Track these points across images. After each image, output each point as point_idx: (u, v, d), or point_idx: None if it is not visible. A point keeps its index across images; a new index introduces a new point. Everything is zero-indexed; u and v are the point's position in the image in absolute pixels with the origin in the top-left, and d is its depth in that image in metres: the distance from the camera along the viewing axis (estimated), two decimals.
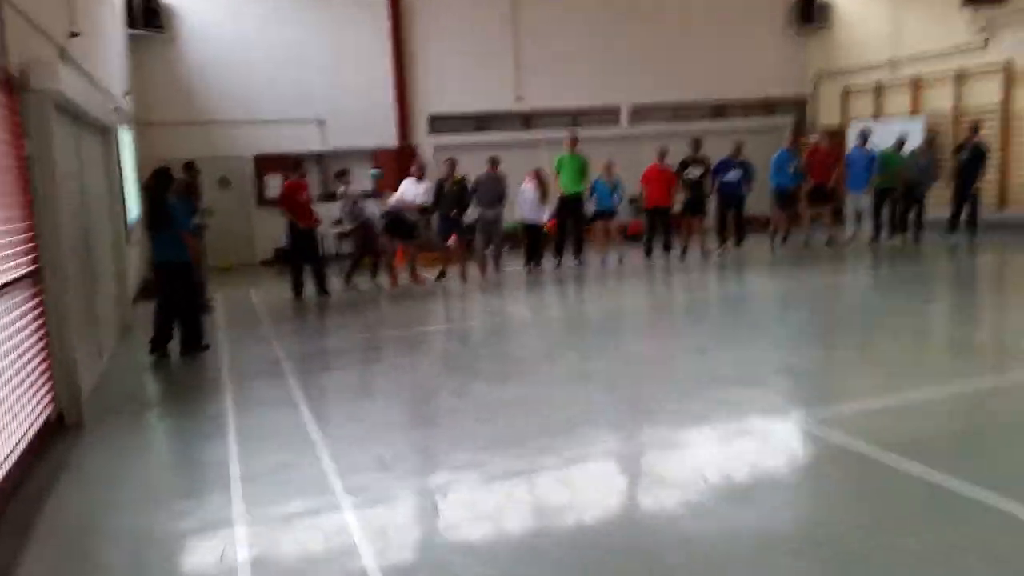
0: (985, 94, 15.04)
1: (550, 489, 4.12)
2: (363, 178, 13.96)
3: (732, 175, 12.75)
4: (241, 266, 14.52)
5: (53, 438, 5.33)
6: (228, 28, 15.41)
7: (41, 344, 5.39)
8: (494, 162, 12.15)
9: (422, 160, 12.87)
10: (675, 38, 18.02)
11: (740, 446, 4.59)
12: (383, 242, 11.64)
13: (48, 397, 5.47)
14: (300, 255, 11.19)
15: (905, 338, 7.19)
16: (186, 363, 7.40)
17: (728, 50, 18.41)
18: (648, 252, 12.88)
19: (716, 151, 13.66)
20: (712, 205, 13.30)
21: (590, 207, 12.72)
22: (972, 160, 12.90)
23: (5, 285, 4.65)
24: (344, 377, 6.94)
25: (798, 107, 19.45)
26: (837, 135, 15.80)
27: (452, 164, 11.91)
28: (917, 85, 16.37)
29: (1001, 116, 14.65)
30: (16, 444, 4.61)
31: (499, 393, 5.89)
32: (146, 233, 7.64)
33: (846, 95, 18.25)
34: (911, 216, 13.31)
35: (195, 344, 7.61)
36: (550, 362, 6.98)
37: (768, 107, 19.25)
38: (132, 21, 14.02)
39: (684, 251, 12.79)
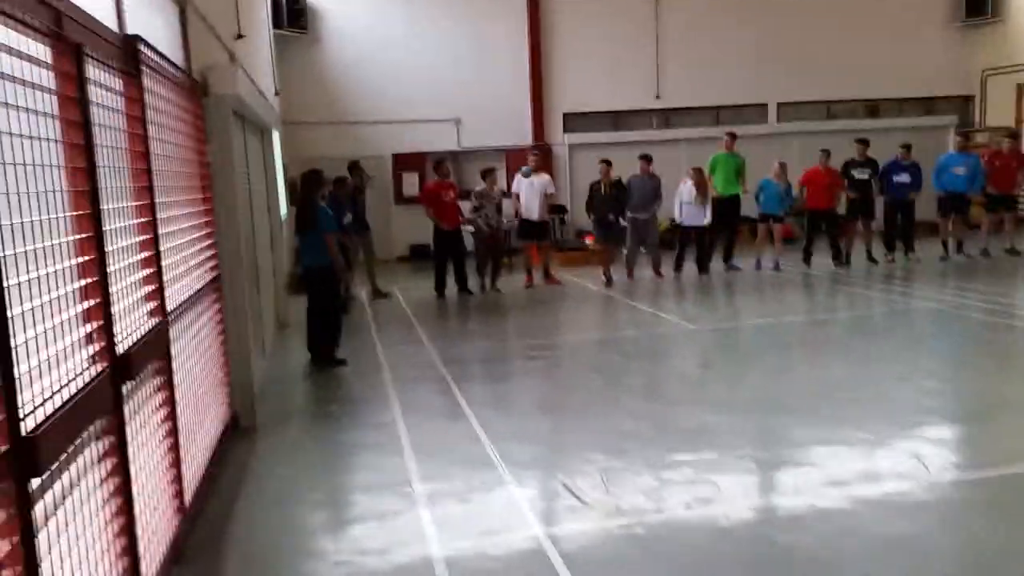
0: None
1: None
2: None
3: (903, 177, 11.72)
4: (380, 262, 14.57)
5: (231, 442, 5.28)
6: (368, 29, 15.58)
7: (222, 348, 5.35)
8: (647, 160, 11.64)
9: (532, 154, 12.35)
10: (826, 31, 16.92)
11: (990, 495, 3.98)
12: (513, 244, 11.50)
13: (227, 401, 5.43)
14: (444, 254, 11.07)
15: None
16: (344, 368, 7.29)
17: (884, 44, 17.14)
18: (807, 259, 12.01)
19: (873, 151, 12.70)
20: (879, 210, 12.30)
21: (753, 208, 12.02)
22: None
23: (199, 291, 4.60)
24: (509, 389, 6.67)
25: (962, 105, 17.95)
26: (1015, 137, 14.31)
27: (608, 165, 11.46)
28: None
29: None
30: (206, 448, 4.55)
31: (682, 419, 5.44)
32: (295, 235, 7.57)
33: (1021, 93, 16.67)
34: None
35: (329, 354, 7.34)
36: (728, 384, 6.45)
37: (928, 105, 17.86)
38: (278, 21, 14.32)
39: (847, 257, 11.87)
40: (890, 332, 8.00)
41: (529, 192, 11.32)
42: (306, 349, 7.55)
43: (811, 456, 4.58)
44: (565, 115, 16.47)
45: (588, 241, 14.48)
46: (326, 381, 7.02)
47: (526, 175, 11.34)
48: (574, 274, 12.40)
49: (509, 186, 12.40)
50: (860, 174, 11.74)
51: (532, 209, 11.29)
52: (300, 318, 9.71)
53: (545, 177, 11.63)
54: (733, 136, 12.16)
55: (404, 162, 15.80)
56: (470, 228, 11.20)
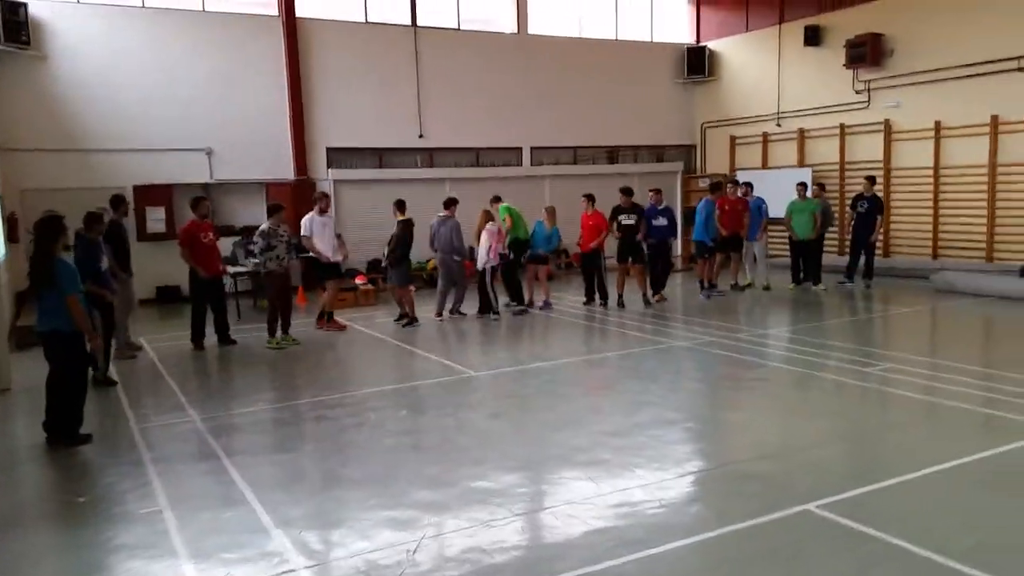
0: (868, 149, 16.06)
1: None
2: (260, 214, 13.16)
3: (661, 220, 12.73)
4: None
5: None
6: (105, 47, 14.07)
7: None
8: (452, 203, 11.89)
9: (322, 193, 12.00)
10: (572, 84, 18.23)
11: None
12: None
13: None
14: (202, 301, 10.19)
15: None
16: (88, 445, 6.34)
17: (621, 97, 18.83)
18: (589, 299, 12.80)
19: (613, 193, 13.61)
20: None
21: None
22: (870, 211, 13.62)
23: None
24: (291, 461, 6.17)
25: (686, 154, 20.13)
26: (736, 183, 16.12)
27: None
28: (803, 137, 17.29)
29: (884, 170, 15.67)
30: None
31: (475, 480, 5.36)
32: (32, 292, 6.46)
33: (733, 144, 19.02)
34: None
35: (71, 431, 6.37)
36: (518, 436, 6.49)
37: (659, 153, 19.81)
38: None
39: (620, 298, 12.59)
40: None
41: (322, 232, 11.03)
42: (41, 426, 6.45)
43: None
44: (329, 150, 16.03)
45: (359, 281, 14.18)
46: (68, 465, 6.03)
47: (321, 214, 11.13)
48: (346, 316, 12.02)
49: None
50: (627, 219, 12.53)
51: (326, 249, 11.04)
52: (27, 381, 8.47)
53: (334, 216, 11.45)
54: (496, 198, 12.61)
55: (148, 195, 14.39)
56: (259, 270, 10.45)
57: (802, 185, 14.04)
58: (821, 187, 14.68)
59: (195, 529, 4.67)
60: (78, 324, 6.21)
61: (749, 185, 14.24)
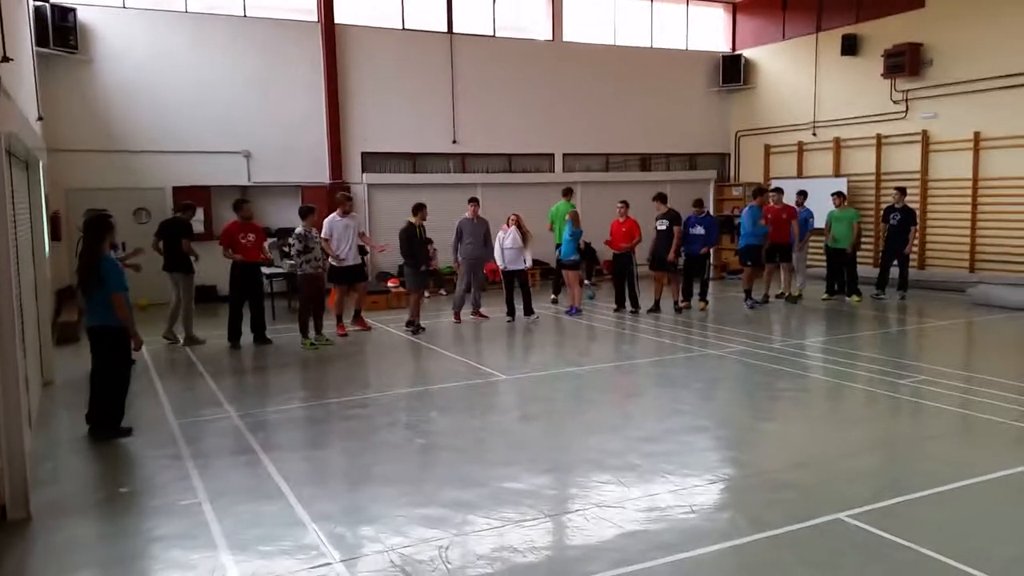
0: (905, 160, 15.88)
1: None
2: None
3: (698, 229, 12.68)
4: (152, 306, 13.32)
5: None
6: (149, 52, 14.39)
7: None
8: (476, 203, 12.03)
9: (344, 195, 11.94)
10: (605, 91, 18.29)
11: None
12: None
13: None
14: (241, 295, 10.42)
15: None
16: (130, 438, 6.51)
17: (655, 105, 18.86)
18: (619, 303, 12.82)
19: (644, 201, 13.79)
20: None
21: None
22: (902, 223, 13.48)
23: None
24: (326, 457, 6.29)
25: (720, 162, 20.06)
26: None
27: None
28: (838, 147, 17.14)
29: (921, 181, 15.48)
30: None
31: (506, 481, 5.41)
32: (81, 289, 6.62)
33: (768, 152, 18.91)
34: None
35: (113, 424, 6.57)
36: (549, 439, 6.54)
37: (692, 161, 19.76)
38: (42, 39, 12.80)
39: (656, 304, 12.71)
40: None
41: (345, 234, 11.05)
42: (83, 418, 6.64)
43: None
44: (364, 154, 16.22)
45: (391, 284, 14.32)
46: (111, 457, 6.20)
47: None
48: (377, 318, 12.16)
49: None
50: (660, 225, 12.55)
51: (346, 251, 11.06)
52: (68, 374, 8.71)
53: (358, 217, 11.39)
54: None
55: (186, 196, 14.61)
56: (296, 271, 10.57)
57: (838, 195, 13.90)
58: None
59: (233, 521, 4.78)
60: (121, 321, 6.38)
61: (803, 194, 14.04)
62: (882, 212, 14.50)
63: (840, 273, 13.80)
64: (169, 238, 10.44)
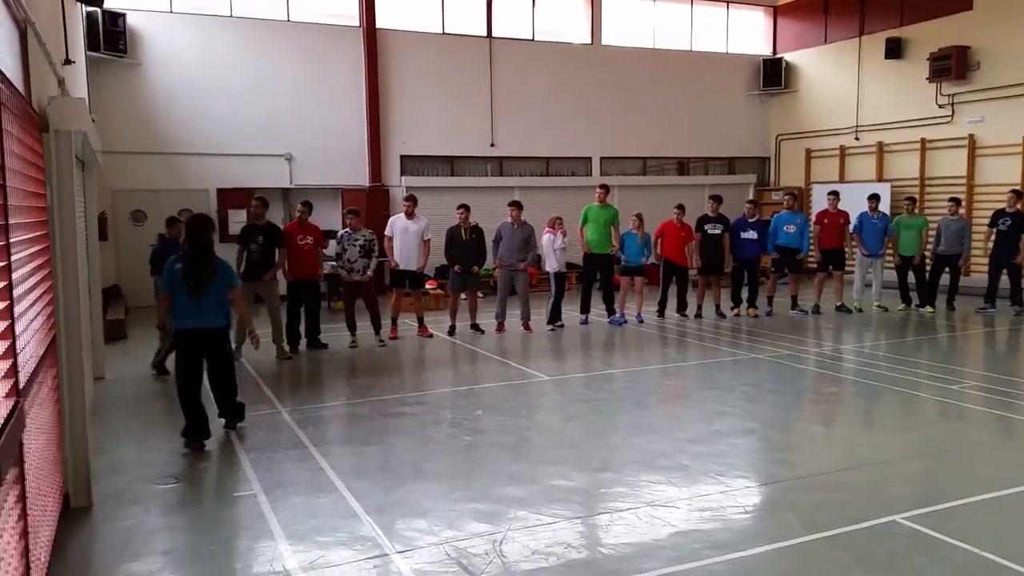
0: (951, 165, 15.61)
1: None
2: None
3: (750, 234, 12.35)
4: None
5: (64, 530, 4.59)
6: (194, 55, 14.68)
7: (55, 418, 4.68)
8: (518, 207, 11.41)
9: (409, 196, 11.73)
10: (643, 95, 18.24)
11: None
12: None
13: (59, 479, 4.74)
14: (298, 305, 10.18)
15: None
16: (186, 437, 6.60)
17: (693, 108, 18.76)
18: (661, 311, 12.62)
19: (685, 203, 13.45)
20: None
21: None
22: (1013, 228, 12.18)
23: (42, 357, 3.99)
24: (377, 453, 6.34)
25: (759, 166, 19.89)
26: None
27: (467, 210, 11.18)
28: (881, 152, 16.91)
29: (967, 186, 15.21)
30: (47, 543, 3.91)
31: (556, 479, 5.42)
32: (189, 293, 6.19)
33: (809, 156, 18.72)
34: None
35: (242, 411, 6.74)
36: (593, 439, 6.53)
37: (730, 165, 19.63)
38: (92, 43, 13.12)
39: (699, 309, 12.56)
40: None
41: (405, 237, 10.79)
42: (184, 423, 6.40)
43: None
44: (403, 157, 16.37)
45: (430, 286, 14.37)
46: (164, 449, 6.28)
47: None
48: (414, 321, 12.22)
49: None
50: (713, 229, 12.29)
51: (411, 255, 10.79)
52: (117, 371, 8.94)
53: (423, 221, 10.95)
54: (606, 188, 12.14)
55: (230, 198, 14.92)
56: (339, 273, 10.64)
57: (874, 198, 13.07)
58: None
59: (289, 512, 4.85)
60: (242, 314, 6.71)
61: (875, 198, 13.09)
62: (990, 217, 12.84)
63: (907, 281, 13.04)
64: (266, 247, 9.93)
